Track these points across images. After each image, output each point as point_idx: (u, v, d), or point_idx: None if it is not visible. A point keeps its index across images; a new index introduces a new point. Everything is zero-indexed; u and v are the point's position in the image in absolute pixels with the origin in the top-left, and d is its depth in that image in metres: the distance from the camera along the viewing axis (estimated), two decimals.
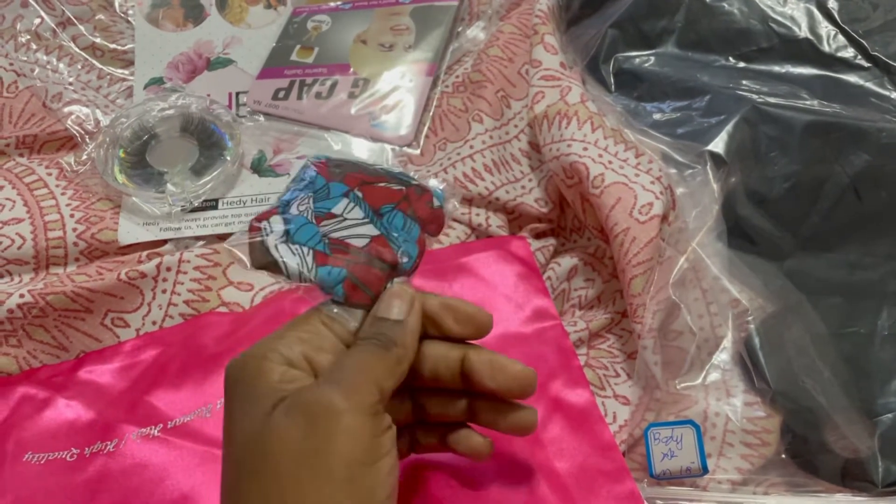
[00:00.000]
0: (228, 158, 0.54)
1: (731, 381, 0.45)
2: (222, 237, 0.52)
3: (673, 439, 0.41)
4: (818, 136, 0.44)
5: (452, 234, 0.52)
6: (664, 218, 0.47)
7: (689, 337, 0.45)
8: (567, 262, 0.52)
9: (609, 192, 0.47)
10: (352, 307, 0.37)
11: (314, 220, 0.39)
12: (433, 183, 0.42)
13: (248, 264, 0.37)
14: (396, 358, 0.34)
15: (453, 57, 0.62)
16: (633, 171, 0.48)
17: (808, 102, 0.46)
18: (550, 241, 0.52)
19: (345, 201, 0.40)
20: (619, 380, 0.47)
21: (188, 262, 0.49)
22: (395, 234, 0.39)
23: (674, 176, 0.47)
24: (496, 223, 0.52)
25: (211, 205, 0.53)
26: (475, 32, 0.63)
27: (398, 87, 0.59)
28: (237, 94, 0.59)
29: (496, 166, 0.54)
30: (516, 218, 0.53)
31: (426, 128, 0.58)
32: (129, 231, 0.51)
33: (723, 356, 0.44)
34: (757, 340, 0.42)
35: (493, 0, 0.64)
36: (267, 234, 0.38)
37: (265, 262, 0.38)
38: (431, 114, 0.58)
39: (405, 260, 0.38)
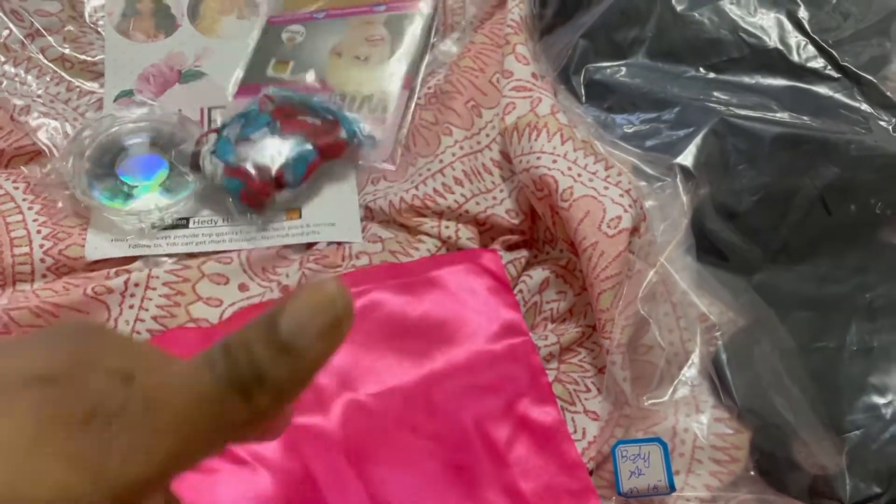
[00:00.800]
0: (198, 175, 0.53)
1: (701, 397, 0.44)
2: (193, 256, 0.52)
3: (640, 457, 0.41)
4: (787, 149, 0.44)
5: (422, 248, 0.51)
6: (634, 231, 0.47)
7: (659, 352, 0.45)
8: (539, 274, 0.51)
9: (577, 206, 0.47)
10: (248, 209, 0.52)
11: (234, 142, 0.53)
12: (351, 119, 0.56)
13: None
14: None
15: (428, 69, 0.61)
16: (603, 183, 0.47)
17: (777, 115, 0.45)
18: (522, 253, 0.52)
19: (264, 129, 0.53)
20: (590, 395, 0.47)
21: (157, 278, 0.49)
22: (289, 157, 0.52)
23: (643, 188, 0.47)
24: (466, 235, 0.52)
25: (182, 223, 0.53)
26: (449, 45, 0.62)
27: (375, 101, 0.59)
28: (210, 109, 0.59)
29: (467, 177, 0.53)
30: (487, 230, 0.53)
31: (402, 143, 0.57)
32: (98, 247, 0.51)
33: (692, 371, 0.44)
34: (724, 357, 0.42)
35: (467, 11, 0.63)
36: (203, 146, 0.53)
37: (196, 166, 0.53)
38: (407, 129, 0.58)
39: (290, 178, 0.52)
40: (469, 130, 0.55)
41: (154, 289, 0.49)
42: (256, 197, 0.52)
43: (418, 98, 0.60)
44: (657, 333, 0.44)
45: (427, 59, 0.62)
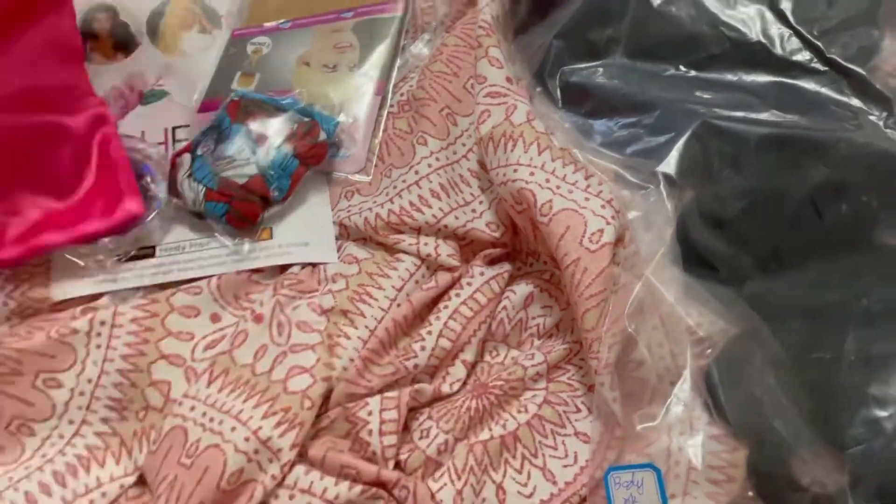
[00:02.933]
0: (162, 199, 0.51)
1: (695, 413, 0.42)
2: (162, 287, 0.50)
3: (634, 484, 0.39)
4: (773, 150, 0.42)
5: (401, 267, 0.49)
6: (618, 242, 0.44)
7: (649, 367, 0.43)
8: (523, 289, 0.49)
9: (558, 220, 0.44)
10: (235, 232, 0.50)
11: (211, 161, 0.51)
12: (327, 116, 0.54)
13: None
14: None
15: (400, 74, 0.59)
16: (583, 194, 0.45)
17: (762, 114, 0.43)
18: (505, 268, 0.50)
19: (240, 142, 0.51)
20: (580, 415, 0.45)
21: (124, 314, 0.47)
22: (272, 172, 0.50)
23: (626, 197, 0.45)
24: (447, 252, 0.50)
25: (148, 253, 0.51)
26: (420, 48, 0.60)
27: (347, 111, 0.56)
28: (174, 129, 0.57)
29: (444, 190, 0.51)
30: (468, 244, 0.51)
31: (376, 154, 0.55)
32: (63, 287, 0.49)
33: (684, 388, 0.42)
34: (716, 373, 0.40)
35: (438, 11, 0.61)
36: (178, 170, 0.51)
37: (175, 193, 0.51)
38: (380, 138, 0.56)
39: (276, 194, 0.50)
40: (445, 140, 0.53)
41: (121, 326, 0.47)
42: (244, 218, 0.50)
43: (391, 105, 0.57)
44: (646, 349, 0.42)
45: (398, 62, 0.59)
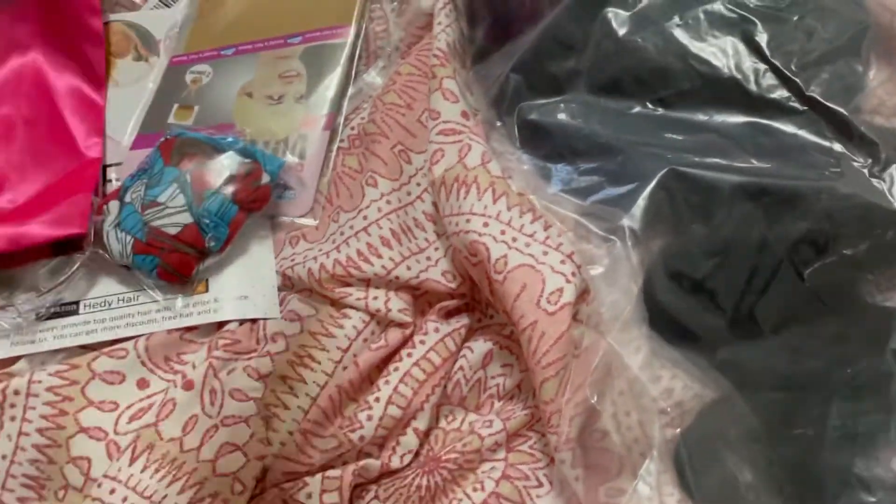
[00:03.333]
0: (88, 250, 0.47)
1: (665, 490, 0.39)
2: (86, 347, 0.45)
3: None
4: (748, 201, 0.38)
5: (348, 324, 0.45)
6: (580, 299, 0.41)
7: (616, 438, 0.39)
8: (481, 346, 0.45)
9: (513, 278, 0.40)
10: (167, 285, 0.46)
11: (140, 209, 0.46)
12: (270, 157, 0.49)
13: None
14: None
15: (351, 104, 0.55)
16: (541, 247, 0.41)
17: (735, 160, 0.39)
18: (463, 321, 0.46)
19: (173, 187, 0.47)
20: (542, 490, 0.41)
21: (39, 382, 0.43)
22: (207, 221, 0.46)
23: (588, 250, 0.41)
24: (398, 306, 0.45)
25: (71, 309, 0.46)
26: (373, 76, 0.56)
27: (293, 148, 0.52)
28: (104, 167, 0.52)
29: (395, 237, 0.47)
30: (422, 295, 0.47)
31: (324, 194, 0.51)
32: None
33: (652, 465, 0.38)
34: (684, 450, 0.36)
35: (392, 35, 0.57)
36: (104, 219, 0.47)
37: (101, 244, 0.47)
38: (328, 178, 0.51)
39: (212, 244, 0.46)
40: (397, 180, 0.49)
41: (37, 396, 0.42)
42: (177, 272, 0.46)
43: (341, 140, 0.53)
44: (611, 419, 0.39)
45: (350, 92, 0.55)
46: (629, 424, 0.39)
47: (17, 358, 0.45)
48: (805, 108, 0.40)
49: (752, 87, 0.41)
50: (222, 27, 0.59)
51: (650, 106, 0.43)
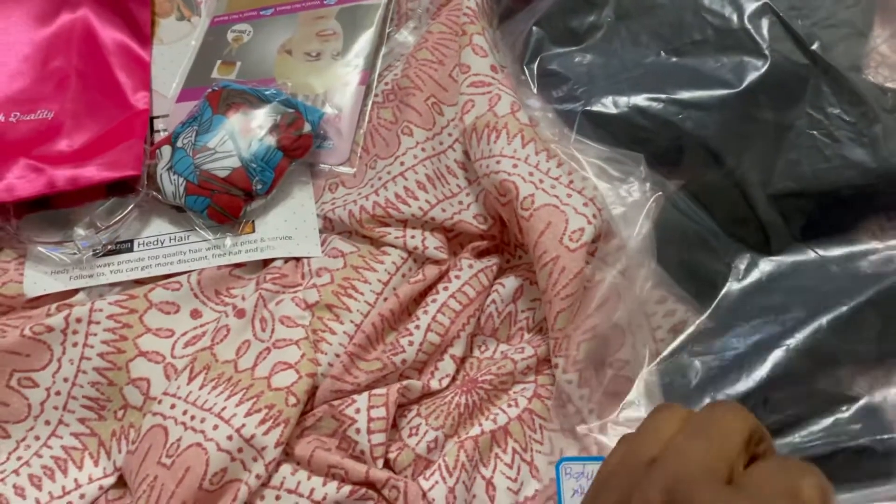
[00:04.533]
0: (141, 192, 0.50)
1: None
2: (140, 282, 0.48)
3: (584, 475, 0.39)
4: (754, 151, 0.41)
5: (387, 260, 0.48)
6: (597, 238, 0.44)
7: (634, 365, 0.42)
8: (512, 283, 0.48)
9: (538, 216, 0.43)
10: (217, 226, 0.49)
11: (191, 153, 0.49)
12: (312, 108, 0.52)
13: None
14: None
15: (384, 62, 0.58)
16: (566, 190, 0.44)
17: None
18: (494, 261, 0.49)
19: (222, 133, 0.49)
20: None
21: (101, 311, 0.45)
22: (254, 165, 0.49)
23: (607, 192, 0.44)
24: (434, 244, 0.48)
25: (126, 247, 0.49)
26: (405, 35, 0.58)
27: (331, 101, 0.55)
28: (152, 119, 0.55)
29: (430, 181, 0.50)
30: (456, 236, 0.50)
31: (360, 145, 0.54)
32: (37, 282, 0.47)
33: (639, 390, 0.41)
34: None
35: None
36: (157, 162, 0.50)
37: (155, 186, 0.50)
38: (364, 129, 0.54)
39: (259, 187, 0.49)
40: (430, 130, 0.52)
41: (98, 323, 0.45)
42: (226, 213, 0.49)
43: (375, 95, 0.56)
44: (621, 347, 0.42)
45: (383, 51, 0.58)
46: (634, 345, 0.42)
47: (76, 291, 0.48)
48: (807, 61, 0.43)
49: (759, 39, 0.43)
50: None
51: (663, 55, 0.45)
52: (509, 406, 0.44)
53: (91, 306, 0.45)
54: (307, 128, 0.51)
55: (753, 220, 0.42)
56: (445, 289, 0.47)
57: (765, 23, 0.44)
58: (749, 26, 0.44)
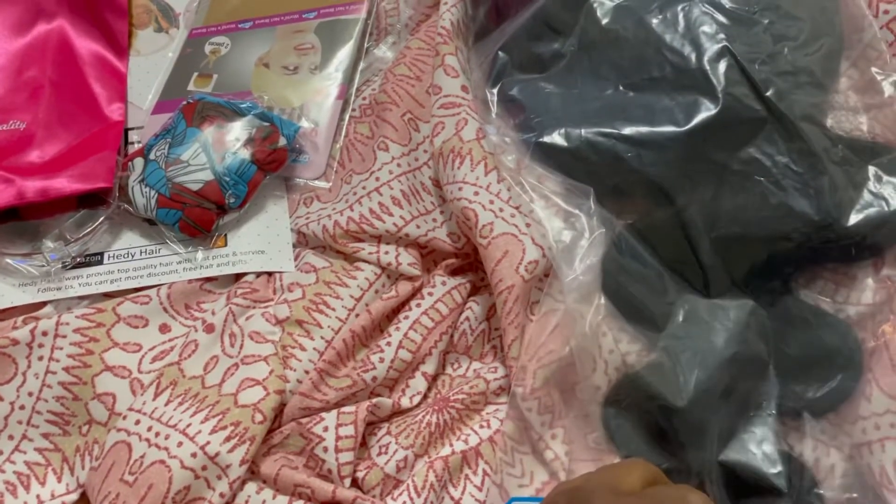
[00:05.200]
0: (112, 204, 0.49)
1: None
2: (110, 295, 0.48)
3: None
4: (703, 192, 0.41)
5: (360, 276, 0.48)
6: (548, 272, 0.44)
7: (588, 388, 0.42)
8: (485, 300, 0.48)
9: (496, 245, 0.44)
10: (188, 239, 0.48)
11: (164, 166, 0.49)
12: (287, 122, 0.52)
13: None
14: None
15: (363, 77, 0.57)
16: (526, 220, 0.45)
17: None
18: (468, 278, 0.49)
19: (195, 146, 0.49)
20: None
21: (67, 324, 0.45)
22: (228, 179, 0.48)
23: (559, 224, 0.44)
24: (407, 261, 0.48)
25: (95, 260, 0.49)
26: (384, 51, 0.58)
27: (307, 115, 0.55)
28: (127, 130, 0.54)
29: (405, 197, 0.50)
30: (429, 253, 0.50)
31: (336, 160, 0.54)
32: (4, 294, 0.47)
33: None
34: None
35: (402, 13, 0.60)
36: (129, 175, 0.50)
37: (126, 199, 0.49)
38: (341, 144, 0.54)
39: (232, 201, 0.49)
40: (406, 146, 0.52)
41: (64, 336, 0.45)
42: (198, 226, 0.48)
43: (353, 109, 0.56)
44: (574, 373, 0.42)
45: (361, 66, 0.58)
46: (586, 375, 0.42)
47: (44, 304, 0.47)
48: (760, 108, 0.42)
49: (715, 81, 0.43)
50: (239, 2, 0.61)
51: (621, 88, 0.45)
52: (481, 427, 0.44)
53: (58, 319, 0.45)
54: (282, 141, 0.51)
55: (695, 263, 0.42)
56: (418, 305, 0.46)
57: (722, 65, 0.43)
58: (707, 68, 0.43)
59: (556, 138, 0.45)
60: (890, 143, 0.44)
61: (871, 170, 0.42)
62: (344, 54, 0.57)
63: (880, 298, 0.41)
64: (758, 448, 0.38)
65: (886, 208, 0.41)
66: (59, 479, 0.43)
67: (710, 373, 0.38)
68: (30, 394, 0.44)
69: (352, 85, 0.57)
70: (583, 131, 0.44)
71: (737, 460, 0.38)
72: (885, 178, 0.42)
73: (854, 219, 0.41)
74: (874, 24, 0.47)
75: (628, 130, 0.43)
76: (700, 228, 0.41)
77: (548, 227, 0.44)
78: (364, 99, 0.56)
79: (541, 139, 0.45)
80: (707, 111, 0.42)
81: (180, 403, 0.42)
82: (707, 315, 0.40)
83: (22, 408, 0.44)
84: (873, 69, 0.46)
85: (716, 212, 0.41)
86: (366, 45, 0.59)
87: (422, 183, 0.50)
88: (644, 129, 0.43)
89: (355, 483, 0.42)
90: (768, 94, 0.42)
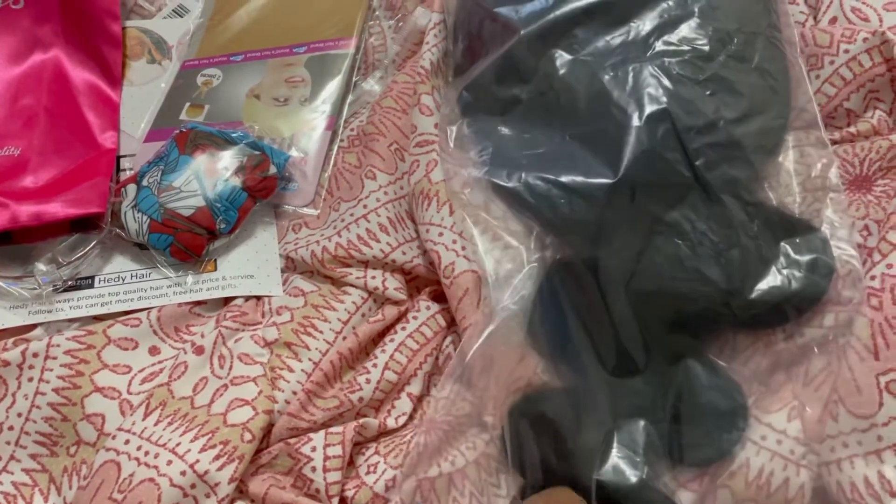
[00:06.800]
0: (105, 228, 0.50)
1: None
2: (100, 318, 0.48)
3: None
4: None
5: (347, 300, 0.49)
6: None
7: None
8: None
9: (458, 283, 0.46)
10: (180, 264, 0.50)
11: (157, 192, 0.50)
12: (274, 151, 0.53)
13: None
14: None
15: (351, 109, 0.59)
16: (488, 258, 0.46)
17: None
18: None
19: (188, 173, 0.51)
20: None
21: (58, 346, 0.45)
22: (219, 205, 0.50)
23: (498, 258, 0.46)
24: (394, 285, 0.49)
25: (86, 283, 0.49)
26: (372, 84, 0.60)
27: (297, 145, 0.56)
28: (119, 158, 0.56)
29: (392, 224, 0.51)
30: (414, 279, 0.51)
31: (325, 188, 0.55)
32: None
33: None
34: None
35: (390, 49, 0.62)
36: (122, 200, 0.51)
37: (119, 224, 0.50)
38: (329, 173, 0.56)
39: (223, 226, 0.50)
40: (393, 174, 0.53)
41: (55, 358, 0.45)
42: (189, 251, 0.50)
43: (341, 140, 0.58)
44: None
45: (350, 98, 0.60)
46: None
47: (34, 326, 0.48)
48: (689, 174, 0.44)
49: (651, 142, 0.44)
50: (231, 36, 0.63)
51: (568, 139, 0.47)
52: (468, 449, 0.45)
53: (48, 341, 0.45)
54: (272, 170, 0.52)
55: (606, 314, 0.43)
56: (403, 328, 0.48)
57: (660, 128, 0.44)
58: (645, 127, 0.44)
59: (502, 177, 0.46)
60: (812, 222, 0.45)
61: (783, 247, 0.44)
62: (333, 87, 0.59)
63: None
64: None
65: (788, 287, 0.42)
66: (46, 500, 0.44)
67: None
68: (19, 414, 0.44)
69: (340, 116, 0.59)
70: (524, 174, 0.45)
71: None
72: (793, 256, 0.44)
73: (757, 292, 0.42)
74: (809, 89, 0.49)
75: (565, 178, 0.45)
76: (617, 281, 0.43)
77: (486, 258, 0.45)
78: (352, 130, 0.58)
79: (488, 176, 0.47)
80: (639, 170, 0.44)
81: (169, 423, 0.43)
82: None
83: (11, 428, 0.44)
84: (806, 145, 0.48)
85: (634, 266, 0.43)
86: (354, 78, 0.61)
87: (407, 211, 0.52)
88: (579, 179, 0.44)
89: (343, 502, 0.42)
90: (698, 163, 0.44)
